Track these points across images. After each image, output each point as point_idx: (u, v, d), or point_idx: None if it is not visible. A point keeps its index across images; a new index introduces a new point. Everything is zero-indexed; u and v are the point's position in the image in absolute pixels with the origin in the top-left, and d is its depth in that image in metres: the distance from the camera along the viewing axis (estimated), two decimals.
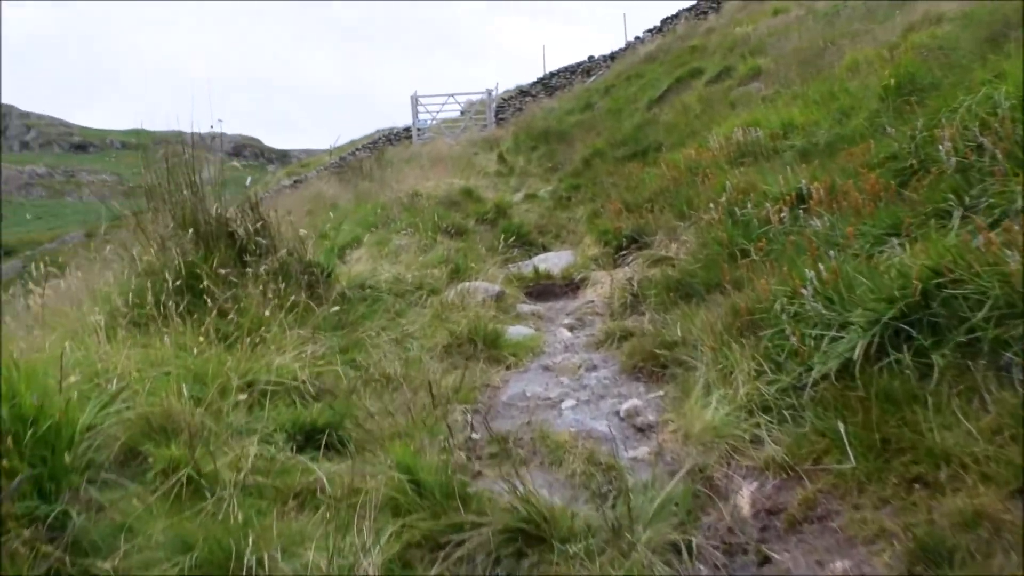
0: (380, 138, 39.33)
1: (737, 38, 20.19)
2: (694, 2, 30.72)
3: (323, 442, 3.62)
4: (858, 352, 3.56)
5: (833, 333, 3.83)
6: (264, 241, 5.05)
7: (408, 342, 5.55)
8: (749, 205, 6.22)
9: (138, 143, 5.72)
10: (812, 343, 3.89)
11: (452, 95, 33.75)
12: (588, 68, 33.44)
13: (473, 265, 7.55)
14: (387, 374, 4.60)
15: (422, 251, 8.87)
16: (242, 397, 3.71)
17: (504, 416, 4.58)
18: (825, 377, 3.67)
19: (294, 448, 3.54)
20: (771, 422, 3.72)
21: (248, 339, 4.22)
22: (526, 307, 7.11)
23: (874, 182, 5.30)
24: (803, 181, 5.90)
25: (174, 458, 3.14)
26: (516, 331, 6.20)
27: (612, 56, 32.76)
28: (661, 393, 4.62)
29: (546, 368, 5.45)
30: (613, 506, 3.14)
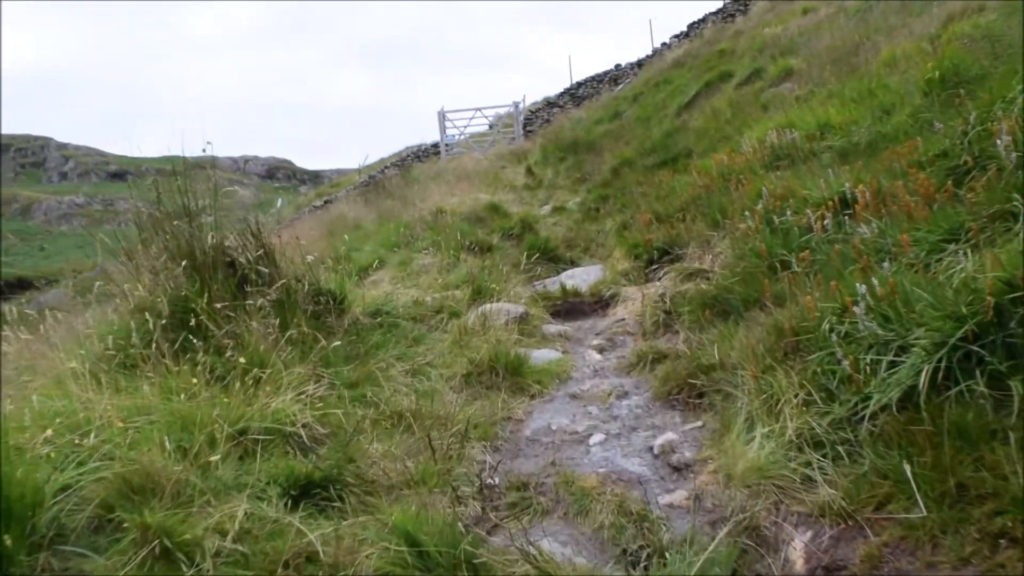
0: (409, 155, 39.21)
1: (766, 39, 19.67)
2: (721, 5, 30.20)
3: (322, 496, 3.25)
4: (923, 379, 3.12)
5: (891, 357, 3.39)
6: (267, 270, 4.71)
7: (425, 372, 5.18)
8: (788, 212, 5.77)
9: (172, 169, 5.43)
10: (868, 368, 3.45)
11: (479, 109, 33.51)
12: (615, 76, 33.04)
13: (495, 287, 7.15)
14: (399, 411, 4.22)
15: (444, 271, 8.52)
16: (232, 447, 3.35)
17: (527, 454, 4.19)
18: (885, 408, 3.23)
19: (288, 504, 3.18)
20: (824, 460, 3.29)
21: (245, 379, 3.87)
22: (553, 328, 6.71)
23: (926, 183, 4.83)
24: (846, 184, 5.44)
25: (149, 525, 2.79)
26: (541, 355, 5.81)
27: (639, 63, 32.35)
28: (699, 424, 4.20)
29: (573, 396, 5.05)
30: (646, 569, 2.73)
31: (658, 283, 7.06)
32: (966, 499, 2.69)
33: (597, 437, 4.23)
